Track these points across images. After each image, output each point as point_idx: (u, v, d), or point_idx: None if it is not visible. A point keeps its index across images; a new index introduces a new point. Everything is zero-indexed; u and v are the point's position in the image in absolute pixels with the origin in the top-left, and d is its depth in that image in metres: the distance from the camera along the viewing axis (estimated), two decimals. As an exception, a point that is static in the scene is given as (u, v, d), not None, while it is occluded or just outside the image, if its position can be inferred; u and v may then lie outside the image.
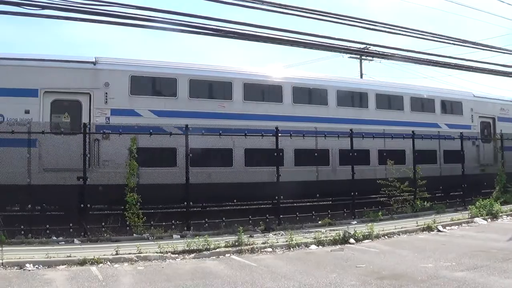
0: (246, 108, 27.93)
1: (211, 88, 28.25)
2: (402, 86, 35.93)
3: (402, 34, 25.92)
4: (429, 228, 22.36)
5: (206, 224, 22.98)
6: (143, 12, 19.57)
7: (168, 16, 20.37)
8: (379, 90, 33.48)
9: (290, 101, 29.24)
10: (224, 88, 28.03)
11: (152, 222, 21.69)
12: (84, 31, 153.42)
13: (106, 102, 24.47)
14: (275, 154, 24.88)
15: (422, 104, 35.46)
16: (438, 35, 27.62)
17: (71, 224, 20.90)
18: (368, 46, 30.36)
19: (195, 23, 20.71)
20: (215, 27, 21.37)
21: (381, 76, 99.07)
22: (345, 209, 26.63)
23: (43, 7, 18.04)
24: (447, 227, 23.08)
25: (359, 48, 31.07)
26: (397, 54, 28.01)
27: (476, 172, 34.66)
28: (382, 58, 34.74)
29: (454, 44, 28.75)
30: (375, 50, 29.71)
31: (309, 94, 30.67)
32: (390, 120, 32.74)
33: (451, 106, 36.94)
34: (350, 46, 27.43)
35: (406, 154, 31.31)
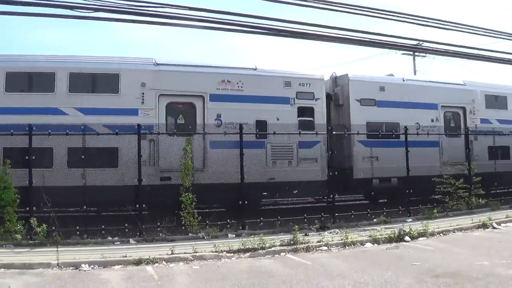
0: None
1: None
2: None
3: (455, 30, 25.68)
4: (484, 226, 22.20)
5: (261, 223, 22.83)
6: (195, 12, 19.75)
7: (219, 16, 20.55)
8: None
9: None
10: None
11: (207, 222, 21.69)
12: (135, 31, 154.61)
13: None
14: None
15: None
16: (491, 30, 27.28)
17: (126, 224, 21.00)
18: (421, 42, 30.27)
19: (248, 22, 20.85)
20: (268, 26, 21.47)
21: (434, 72, 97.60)
22: (400, 207, 26.13)
23: (95, 10, 18.36)
24: (502, 224, 22.88)
25: (412, 44, 30.88)
26: (450, 50, 27.72)
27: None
28: (435, 54, 34.46)
29: (509, 39, 28.39)
30: (428, 46, 29.50)
31: None
32: None
33: (92, 81, 24.67)
34: (403, 43, 27.23)
35: None
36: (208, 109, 25.18)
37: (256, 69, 26.79)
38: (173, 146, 23.38)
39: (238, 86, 25.79)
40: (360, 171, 27.46)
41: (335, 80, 29.83)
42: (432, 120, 30.54)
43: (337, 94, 29.18)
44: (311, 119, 27.00)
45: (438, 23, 24.87)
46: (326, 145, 26.62)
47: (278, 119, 25.88)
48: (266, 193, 26.93)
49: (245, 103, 25.78)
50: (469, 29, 25.95)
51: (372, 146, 27.93)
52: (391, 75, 32.22)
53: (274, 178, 25.44)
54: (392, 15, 23.53)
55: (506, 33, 28.18)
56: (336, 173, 24.81)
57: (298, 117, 26.72)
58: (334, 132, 26.17)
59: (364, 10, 22.78)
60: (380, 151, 28.09)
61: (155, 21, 19.59)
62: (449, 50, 27.60)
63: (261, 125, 25.71)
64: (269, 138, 25.47)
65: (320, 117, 27.20)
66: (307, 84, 27.21)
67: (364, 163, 27.92)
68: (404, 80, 31.15)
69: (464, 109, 32.05)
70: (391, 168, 27.90)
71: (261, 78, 26.58)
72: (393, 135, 28.28)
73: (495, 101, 33.82)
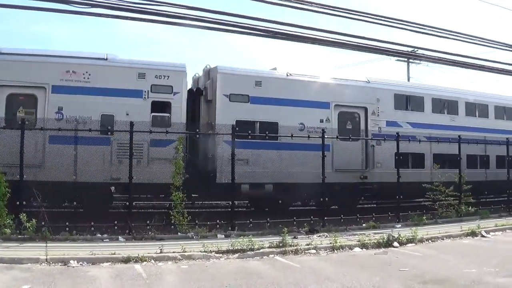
0: None
1: None
2: None
3: (450, 38, 25.71)
4: (473, 233, 22.24)
5: (251, 225, 22.74)
6: (193, 12, 19.72)
7: (217, 16, 20.55)
8: None
9: None
10: None
11: (196, 221, 21.57)
12: (133, 29, 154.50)
13: None
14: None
15: None
16: (486, 39, 27.31)
17: (116, 222, 20.96)
18: (415, 49, 30.22)
19: (243, 23, 20.85)
20: (264, 28, 21.47)
21: (428, 80, 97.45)
22: (389, 213, 26.17)
23: (92, 5, 18.36)
24: (491, 233, 22.98)
25: (407, 51, 30.77)
26: (444, 58, 27.69)
27: None
28: (430, 61, 34.32)
29: (502, 49, 28.43)
30: (422, 54, 29.44)
31: None
32: None
33: None
34: (398, 49, 27.16)
35: None
36: (50, 102, 23.47)
37: (106, 59, 24.93)
38: (9, 140, 21.19)
39: (85, 77, 24.00)
40: (224, 174, 24.85)
41: (208, 73, 27.68)
42: (322, 121, 28.10)
43: (206, 89, 27.08)
44: (168, 115, 25.07)
45: (433, 31, 24.89)
46: (184, 145, 23.55)
47: (127, 114, 23.84)
48: (119, 195, 25.12)
49: (91, 95, 23.94)
50: (463, 37, 25.98)
51: (242, 147, 24.78)
52: (274, 69, 29.33)
53: (119, 179, 23.10)
54: (388, 21, 23.54)
55: (500, 42, 28.26)
56: (194, 176, 23.19)
57: (151, 112, 24.81)
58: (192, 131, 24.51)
59: (359, 15, 22.82)
60: (251, 153, 26.07)
61: (153, 19, 19.59)
62: (443, 58, 27.57)
63: (107, 120, 23.62)
64: (115, 134, 23.18)
65: (178, 113, 25.21)
66: (165, 76, 25.20)
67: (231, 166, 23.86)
68: (288, 75, 28.27)
69: (365, 109, 29.72)
70: (265, 173, 26.34)
71: (111, 69, 24.76)
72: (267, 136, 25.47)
73: (407, 102, 31.64)
